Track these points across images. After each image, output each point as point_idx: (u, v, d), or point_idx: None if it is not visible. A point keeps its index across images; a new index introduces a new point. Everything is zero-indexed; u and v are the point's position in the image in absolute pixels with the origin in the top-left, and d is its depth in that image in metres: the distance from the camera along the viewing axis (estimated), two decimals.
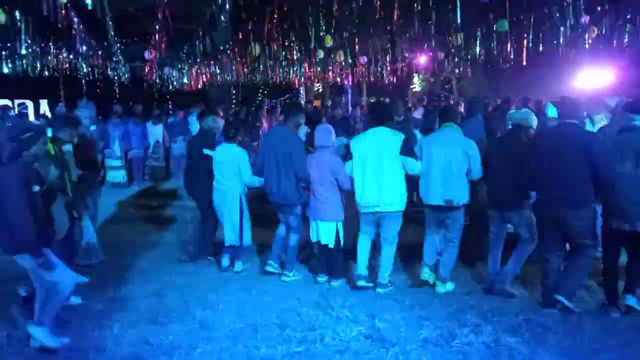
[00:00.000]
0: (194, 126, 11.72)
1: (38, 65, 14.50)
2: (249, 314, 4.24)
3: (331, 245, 4.78)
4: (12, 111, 12.34)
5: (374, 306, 4.38)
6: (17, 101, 15.64)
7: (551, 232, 4.22)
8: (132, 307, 4.40)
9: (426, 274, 4.77)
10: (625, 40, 9.68)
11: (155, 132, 10.97)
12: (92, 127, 9.74)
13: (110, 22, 11.18)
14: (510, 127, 4.81)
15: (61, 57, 14.23)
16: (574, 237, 4.14)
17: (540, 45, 10.75)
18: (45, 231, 3.61)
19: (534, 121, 4.56)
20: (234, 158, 5.09)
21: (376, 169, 4.45)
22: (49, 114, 13.91)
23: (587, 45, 10.06)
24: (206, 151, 5.27)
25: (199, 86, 18.11)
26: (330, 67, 16.94)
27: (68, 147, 4.50)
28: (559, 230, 4.16)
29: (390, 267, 4.71)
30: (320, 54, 13.52)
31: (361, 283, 4.70)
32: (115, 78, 16.99)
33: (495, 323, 4.01)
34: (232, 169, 5.08)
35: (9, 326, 4.04)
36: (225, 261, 5.31)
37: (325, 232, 4.77)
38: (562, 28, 9.54)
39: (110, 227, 7.01)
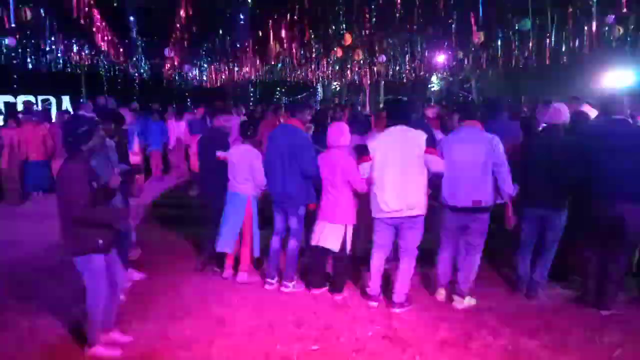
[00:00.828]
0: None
1: (61, 62, 14.79)
2: (265, 311, 4.26)
3: (335, 250, 4.51)
4: (34, 106, 12.59)
5: (390, 306, 4.34)
6: (40, 97, 15.97)
7: (598, 231, 4.13)
8: (150, 302, 4.45)
9: (441, 295, 4.54)
10: None
11: (177, 129, 11.07)
12: None
13: (132, 20, 11.33)
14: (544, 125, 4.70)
15: (83, 54, 14.48)
16: (626, 233, 4.01)
17: (563, 45, 10.55)
18: (104, 232, 3.48)
19: (567, 115, 4.42)
20: (248, 159, 4.88)
21: (398, 170, 4.18)
22: (70, 110, 14.17)
23: (613, 45, 9.83)
24: (219, 152, 5.08)
25: (218, 84, 18.26)
26: (348, 66, 16.90)
27: (110, 142, 4.56)
28: (611, 227, 4.05)
29: (408, 282, 4.37)
30: (339, 52, 13.49)
31: (373, 304, 4.42)
32: (136, 75, 17.24)
33: (514, 326, 3.96)
34: (246, 171, 4.87)
35: (30, 318, 4.14)
36: (228, 271, 5.06)
37: (332, 235, 4.51)
38: (585, 27, 9.36)
39: None
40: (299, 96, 25.51)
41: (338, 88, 24.92)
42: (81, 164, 3.39)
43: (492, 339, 3.76)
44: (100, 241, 3.42)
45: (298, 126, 4.73)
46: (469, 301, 4.41)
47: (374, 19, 10.19)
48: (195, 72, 17.57)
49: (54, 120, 10.65)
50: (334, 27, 10.60)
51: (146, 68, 16.94)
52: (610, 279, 4.19)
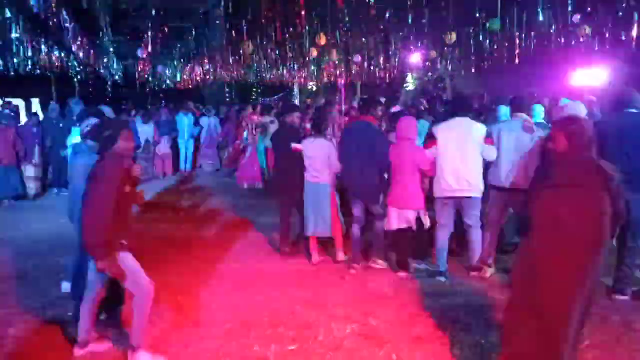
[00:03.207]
0: (181, 126, 11.76)
1: (30, 63, 14.42)
2: (242, 313, 4.24)
3: (414, 227, 4.97)
4: None
5: (367, 304, 4.39)
6: (8, 100, 15.50)
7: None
8: (125, 307, 4.38)
9: (490, 273, 4.98)
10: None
11: (146, 131, 10.90)
12: None
13: (103, 20, 11.15)
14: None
15: (53, 56, 14.14)
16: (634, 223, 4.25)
17: (532, 43, 10.81)
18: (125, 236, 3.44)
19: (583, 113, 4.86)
20: (324, 151, 5.29)
21: (458, 156, 4.74)
22: (40, 114, 13.82)
23: (580, 41, 10.14)
24: (295, 145, 5.46)
25: (193, 84, 18.08)
26: (324, 66, 16.94)
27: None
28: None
29: (479, 249, 4.93)
30: (314, 52, 13.51)
31: (442, 279, 4.91)
32: (108, 76, 16.93)
33: (487, 320, 4.04)
34: (324, 162, 5.28)
35: None
36: (316, 256, 5.50)
37: (406, 219, 4.95)
38: (553, 26, 9.61)
39: None
40: (276, 97, 25.47)
41: (314, 88, 24.97)
42: (117, 163, 3.29)
43: (465, 334, 3.83)
44: (124, 242, 3.38)
45: (372, 122, 5.21)
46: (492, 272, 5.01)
47: (348, 20, 10.25)
48: (169, 72, 17.34)
49: (22, 123, 10.35)
50: (308, 28, 10.62)
51: (118, 69, 16.65)
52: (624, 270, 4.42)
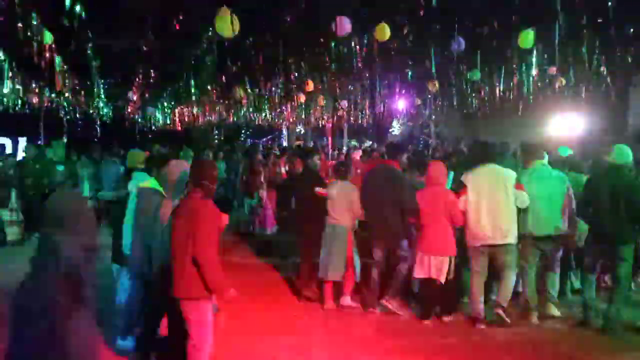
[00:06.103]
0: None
1: (19, 103, 14.48)
2: (223, 358, 4.18)
3: (442, 280, 4.81)
4: None
5: (351, 349, 4.37)
6: None
7: None
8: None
9: (555, 309, 5.01)
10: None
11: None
12: (60, 168, 9.62)
13: (93, 62, 11.30)
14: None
15: (44, 96, 14.24)
16: None
17: (511, 93, 11.27)
18: None
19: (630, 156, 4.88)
20: (347, 194, 5.31)
21: (492, 203, 4.73)
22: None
23: (555, 93, 10.60)
24: (319, 190, 5.49)
25: (182, 126, 18.26)
26: (312, 109, 17.28)
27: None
28: None
29: (509, 294, 4.86)
30: (302, 97, 13.84)
31: (482, 326, 4.78)
32: (97, 116, 17.02)
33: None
34: (345, 204, 5.28)
35: None
36: (331, 303, 5.34)
37: (439, 267, 4.81)
38: (530, 77, 10.07)
39: None
40: (264, 139, 25.78)
41: (302, 131, 25.35)
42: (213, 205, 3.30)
43: None
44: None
45: (396, 166, 5.28)
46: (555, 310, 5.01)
47: (334, 67, 10.60)
48: (159, 114, 17.50)
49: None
50: (297, 74, 10.94)
51: (107, 110, 16.76)
52: None
